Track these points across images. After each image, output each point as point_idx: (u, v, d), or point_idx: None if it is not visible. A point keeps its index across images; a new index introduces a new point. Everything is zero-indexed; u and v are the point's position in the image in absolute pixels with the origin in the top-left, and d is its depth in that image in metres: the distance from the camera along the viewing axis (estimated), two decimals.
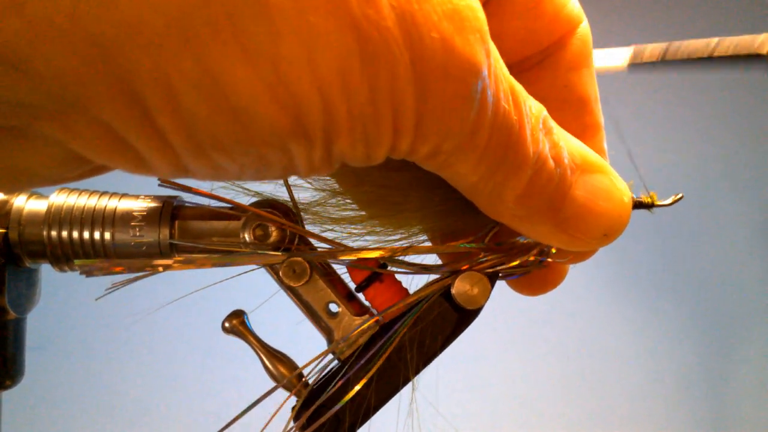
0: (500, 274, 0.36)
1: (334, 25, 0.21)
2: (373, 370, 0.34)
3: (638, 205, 0.35)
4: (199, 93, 0.20)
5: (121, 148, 0.22)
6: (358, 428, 0.34)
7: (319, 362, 0.35)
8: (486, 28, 0.25)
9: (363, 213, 0.35)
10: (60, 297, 1.28)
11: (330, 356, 0.37)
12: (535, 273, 0.36)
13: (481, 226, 0.35)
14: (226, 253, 0.36)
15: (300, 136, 0.23)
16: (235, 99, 0.21)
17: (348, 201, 0.35)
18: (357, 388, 0.34)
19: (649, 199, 0.36)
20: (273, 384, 0.36)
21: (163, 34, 0.19)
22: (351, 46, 0.21)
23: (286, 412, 0.35)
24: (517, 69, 0.34)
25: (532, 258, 0.35)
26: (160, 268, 0.33)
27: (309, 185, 0.36)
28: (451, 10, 0.23)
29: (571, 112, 0.34)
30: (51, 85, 0.19)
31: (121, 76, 0.20)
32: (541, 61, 0.34)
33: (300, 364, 0.37)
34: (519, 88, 0.27)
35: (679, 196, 0.36)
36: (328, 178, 0.35)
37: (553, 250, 0.35)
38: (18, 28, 0.18)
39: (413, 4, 0.22)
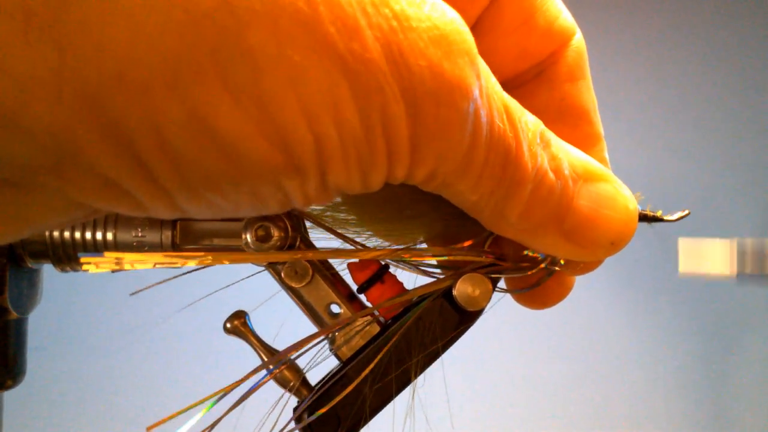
0: (501, 284, 0.36)
1: (318, 61, 0.21)
2: (372, 364, 0.34)
3: (644, 218, 0.35)
4: (187, 135, 0.21)
5: (118, 194, 0.22)
6: (359, 429, 0.34)
7: (316, 357, 0.35)
8: (475, 49, 0.25)
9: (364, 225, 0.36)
10: (61, 297, 1.28)
11: (334, 360, 0.37)
12: (542, 286, 0.36)
13: (482, 229, 0.35)
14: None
15: (293, 171, 0.23)
16: (225, 139, 0.21)
17: (350, 217, 0.36)
18: (355, 383, 0.34)
19: (655, 213, 0.35)
20: (273, 386, 0.36)
21: (148, 80, 0.19)
22: (338, 81, 0.21)
23: (287, 412, 0.35)
24: (513, 84, 0.34)
25: (540, 268, 0.35)
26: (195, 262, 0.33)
27: None
28: (438, 36, 0.23)
29: (571, 123, 0.34)
30: (42, 139, 0.20)
31: (110, 125, 0.20)
32: (537, 75, 0.34)
33: (300, 365, 0.37)
34: (513, 104, 0.27)
35: (686, 212, 0.36)
36: None
37: (561, 262, 0.35)
38: (4, 86, 0.18)
39: (398, 34, 0.22)
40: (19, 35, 0.18)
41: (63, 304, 1.30)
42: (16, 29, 0.18)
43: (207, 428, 0.31)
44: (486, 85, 0.25)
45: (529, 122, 0.28)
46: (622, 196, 0.31)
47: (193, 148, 0.21)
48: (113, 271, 0.31)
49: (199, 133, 0.21)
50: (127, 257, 0.30)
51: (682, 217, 0.35)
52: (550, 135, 0.29)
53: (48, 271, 0.45)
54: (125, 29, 0.19)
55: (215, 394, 0.32)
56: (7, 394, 0.47)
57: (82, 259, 0.29)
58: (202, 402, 0.32)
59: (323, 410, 0.33)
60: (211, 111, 0.20)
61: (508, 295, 0.37)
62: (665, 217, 0.35)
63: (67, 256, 0.41)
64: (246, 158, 0.22)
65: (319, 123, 0.22)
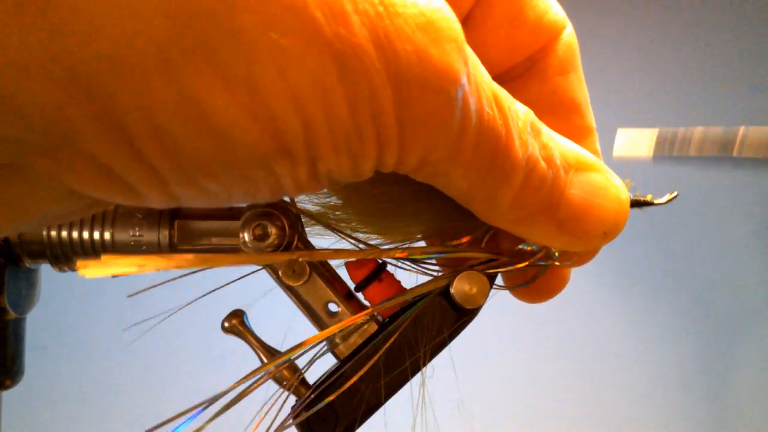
0: (499, 281, 0.36)
1: (305, 46, 0.21)
2: (370, 363, 0.34)
3: (634, 203, 0.35)
4: (179, 119, 0.21)
5: (112, 180, 0.22)
6: (357, 428, 0.34)
7: (315, 357, 0.35)
8: (462, 36, 0.25)
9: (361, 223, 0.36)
10: (60, 297, 1.28)
11: (331, 358, 0.37)
12: (539, 280, 0.36)
13: (479, 226, 0.35)
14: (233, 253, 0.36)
15: (283, 155, 0.23)
16: (215, 123, 0.21)
17: (347, 215, 0.36)
18: (352, 380, 0.34)
19: (644, 198, 0.35)
20: (273, 384, 0.36)
21: (140, 64, 0.20)
22: (325, 65, 0.21)
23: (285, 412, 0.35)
24: (504, 78, 0.34)
25: (535, 260, 0.35)
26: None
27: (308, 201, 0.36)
28: (425, 22, 0.23)
29: (562, 116, 0.34)
30: (37, 121, 0.20)
31: (102, 108, 0.20)
32: (529, 69, 0.34)
33: (300, 364, 0.37)
34: (503, 93, 0.27)
35: (674, 194, 0.36)
36: (324, 193, 0.35)
37: (556, 254, 0.35)
38: None
39: (385, 20, 0.22)
40: (12, 17, 0.18)
41: (61, 304, 1.30)
42: (9, 11, 0.18)
43: (200, 427, 0.31)
44: (474, 72, 0.25)
45: (519, 111, 0.28)
46: (614, 186, 0.31)
47: (185, 131, 0.21)
48: (114, 275, 0.31)
49: (190, 117, 0.21)
50: (124, 261, 0.30)
51: (671, 199, 0.36)
52: (541, 125, 0.29)
53: (46, 271, 0.45)
54: (116, 12, 0.19)
55: (212, 398, 0.32)
56: (6, 394, 0.47)
57: (78, 263, 0.29)
58: (200, 405, 0.32)
59: (314, 410, 0.33)
60: (202, 95, 0.21)
61: (506, 294, 0.38)
62: (655, 201, 0.36)
63: (64, 256, 0.41)
64: (237, 142, 0.22)
65: (307, 108, 0.22)
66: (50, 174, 0.22)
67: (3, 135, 0.20)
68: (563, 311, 1.43)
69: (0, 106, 0.19)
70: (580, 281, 0.37)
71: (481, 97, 0.26)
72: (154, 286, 0.35)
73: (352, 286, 0.38)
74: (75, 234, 0.40)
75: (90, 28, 0.19)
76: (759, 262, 1.49)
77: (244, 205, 0.38)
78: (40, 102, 0.19)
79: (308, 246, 0.37)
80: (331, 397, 0.33)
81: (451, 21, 0.24)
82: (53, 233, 0.40)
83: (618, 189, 0.31)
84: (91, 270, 0.28)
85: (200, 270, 0.35)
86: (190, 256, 0.31)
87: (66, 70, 0.19)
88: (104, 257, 0.28)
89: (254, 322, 0.38)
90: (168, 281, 0.36)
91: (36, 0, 0.18)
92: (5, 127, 0.20)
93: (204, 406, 0.32)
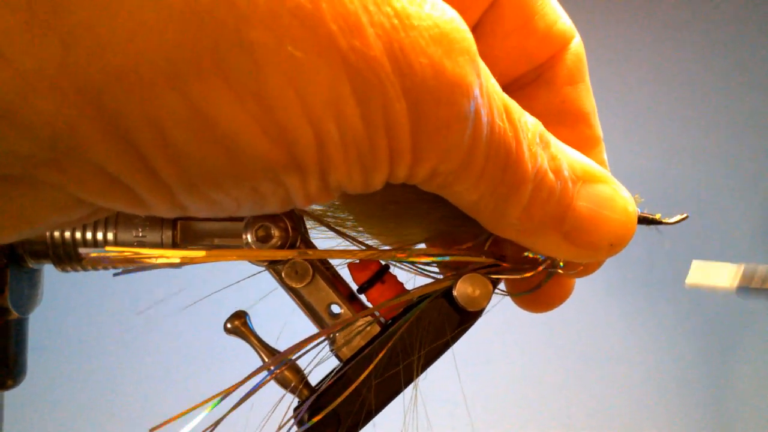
0: (502, 287, 0.36)
1: (319, 58, 0.21)
2: (372, 364, 0.34)
3: (642, 220, 0.35)
4: (188, 131, 0.21)
5: (119, 190, 0.22)
6: (360, 430, 0.34)
7: (317, 358, 0.35)
8: (475, 48, 0.25)
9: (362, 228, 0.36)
10: (62, 297, 1.28)
11: (333, 359, 0.37)
12: (542, 289, 0.36)
13: (482, 230, 0.35)
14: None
15: (293, 168, 0.23)
16: (225, 135, 0.21)
17: (351, 218, 0.36)
18: (356, 383, 0.34)
19: (653, 216, 0.35)
20: (274, 386, 0.36)
21: (149, 76, 0.19)
22: (339, 77, 0.21)
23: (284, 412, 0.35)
24: (512, 87, 0.34)
25: (540, 270, 0.34)
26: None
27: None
28: (439, 34, 0.23)
29: (570, 126, 0.34)
30: (43, 134, 0.20)
31: (111, 120, 0.20)
32: (536, 78, 0.34)
33: (301, 366, 0.37)
34: (513, 104, 0.27)
35: (684, 215, 0.35)
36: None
37: (561, 263, 0.35)
38: (6, 79, 0.19)
39: (399, 32, 0.22)
40: (24, 29, 0.18)
41: (63, 304, 1.30)
42: (21, 24, 0.18)
43: (208, 428, 0.31)
44: (486, 84, 0.25)
45: (529, 123, 0.28)
46: (621, 198, 0.31)
47: (194, 144, 0.21)
48: (116, 275, 0.30)
49: (200, 129, 0.21)
50: (129, 252, 0.30)
51: (680, 220, 0.35)
52: (550, 136, 0.29)
53: (49, 271, 0.45)
54: (127, 24, 0.19)
55: (217, 395, 0.32)
56: (8, 394, 0.47)
57: (83, 253, 0.29)
58: (204, 404, 0.32)
59: (321, 415, 0.33)
60: (212, 107, 0.20)
61: (507, 297, 0.37)
62: (664, 220, 0.35)
63: (67, 256, 0.41)
64: (247, 155, 0.22)
65: (320, 120, 0.22)
66: (57, 184, 0.22)
67: (10, 148, 0.20)
68: (563, 311, 1.43)
69: (8, 119, 0.19)
70: (580, 281, 0.37)
71: (492, 109, 0.26)
72: (164, 300, 0.35)
73: (355, 288, 0.38)
74: (78, 234, 0.40)
75: (100, 41, 0.19)
76: (759, 262, 1.49)
77: None
78: (49, 115, 0.19)
79: (311, 248, 0.37)
80: (334, 404, 0.33)
81: (464, 33, 0.24)
82: (56, 234, 0.40)
83: (625, 201, 0.31)
84: (100, 257, 0.28)
85: (206, 262, 0.35)
86: (198, 252, 0.31)
87: (75, 83, 0.19)
88: (108, 248, 0.28)
89: (256, 323, 0.38)
90: (177, 293, 0.36)
91: (46, 13, 0.18)
92: (13, 139, 0.20)
93: (207, 405, 0.32)
